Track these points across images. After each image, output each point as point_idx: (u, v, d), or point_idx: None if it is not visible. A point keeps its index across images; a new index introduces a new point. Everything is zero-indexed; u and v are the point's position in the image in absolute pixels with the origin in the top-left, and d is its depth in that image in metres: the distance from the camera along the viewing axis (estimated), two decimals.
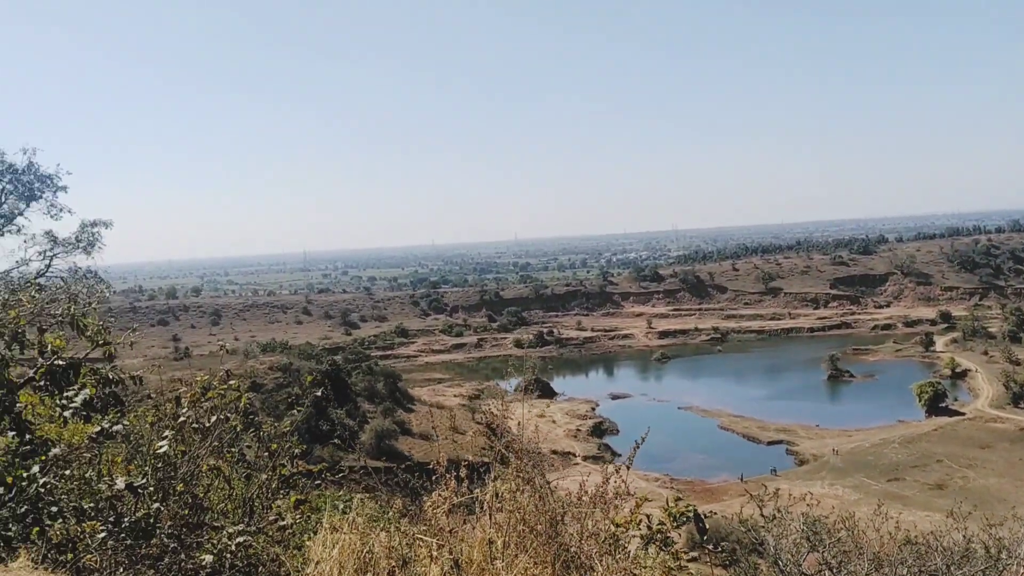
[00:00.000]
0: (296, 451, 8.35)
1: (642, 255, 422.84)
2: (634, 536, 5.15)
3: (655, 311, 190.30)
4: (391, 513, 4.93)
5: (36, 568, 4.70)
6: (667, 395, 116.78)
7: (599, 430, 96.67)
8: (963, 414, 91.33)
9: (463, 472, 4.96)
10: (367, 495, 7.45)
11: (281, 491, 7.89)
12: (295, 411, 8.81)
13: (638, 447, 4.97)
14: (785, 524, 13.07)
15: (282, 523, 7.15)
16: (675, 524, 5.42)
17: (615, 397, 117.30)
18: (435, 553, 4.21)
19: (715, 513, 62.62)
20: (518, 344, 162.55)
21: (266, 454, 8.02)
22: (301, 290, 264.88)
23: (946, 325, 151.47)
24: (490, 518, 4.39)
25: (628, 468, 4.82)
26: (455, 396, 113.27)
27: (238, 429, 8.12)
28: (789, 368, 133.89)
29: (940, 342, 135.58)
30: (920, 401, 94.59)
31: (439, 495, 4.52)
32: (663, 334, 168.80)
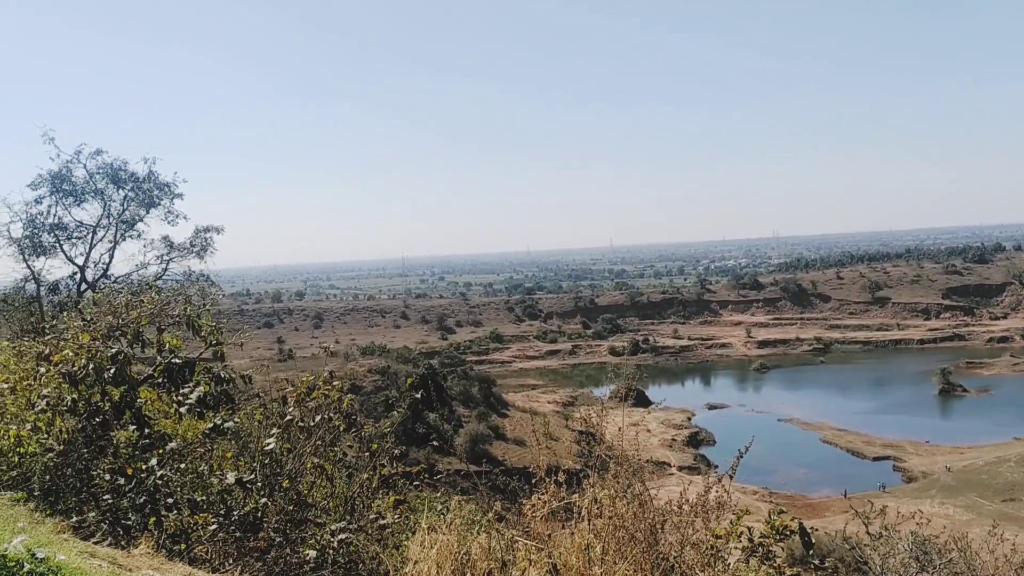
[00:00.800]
0: (396, 452, 8.55)
1: (741, 262, 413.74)
2: (734, 548, 5.05)
3: (754, 320, 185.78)
4: (489, 516, 4.97)
5: (155, 556, 4.95)
6: (766, 406, 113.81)
7: (695, 440, 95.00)
8: None
9: (561, 477, 4.98)
10: (464, 498, 7.54)
11: (380, 491, 8.08)
12: (395, 413, 9.01)
13: (741, 456, 4.88)
14: (892, 543, 12.54)
15: (382, 522, 7.32)
16: (777, 538, 5.29)
17: (712, 407, 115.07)
18: (533, 557, 4.23)
19: (816, 529, 60.65)
20: (612, 351, 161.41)
21: (367, 454, 8.24)
22: (399, 295, 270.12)
23: None
24: (588, 523, 4.39)
25: (732, 478, 4.73)
26: (549, 402, 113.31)
27: (340, 429, 8.37)
28: (897, 381, 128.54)
29: None
30: None
31: (538, 499, 4.53)
32: (762, 344, 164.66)
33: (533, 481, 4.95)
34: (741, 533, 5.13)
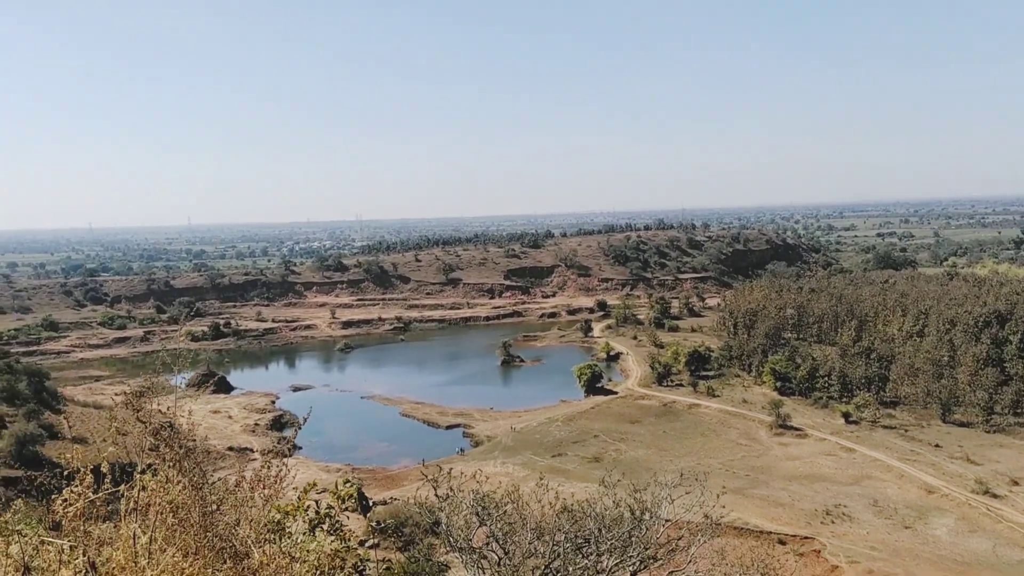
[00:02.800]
0: None
1: (326, 244, 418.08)
2: (303, 522, 5.00)
3: (339, 301, 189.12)
4: (11, 517, 4.27)
5: None
6: (350, 385, 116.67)
7: (279, 424, 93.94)
8: (616, 393, 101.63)
9: (104, 468, 4.46)
10: None
11: None
12: None
13: (299, 428, 4.81)
14: (457, 502, 13.65)
15: None
16: (344, 507, 5.35)
17: (296, 389, 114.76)
18: (66, 556, 3.70)
19: (395, 499, 63.81)
20: (192, 336, 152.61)
21: None
22: None
23: (602, 313, 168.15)
24: (135, 514, 3.98)
25: (290, 451, 4.65)
26: (116, 395, 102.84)
27: None
28: (467, 355, 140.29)
29: (597, 328, 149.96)
30: (580, 382, 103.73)
31: (71, 492, 3.99)
32: (347, 324, 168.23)
33: (67, 475, 4.35)
34: (308, 507, 5.09)
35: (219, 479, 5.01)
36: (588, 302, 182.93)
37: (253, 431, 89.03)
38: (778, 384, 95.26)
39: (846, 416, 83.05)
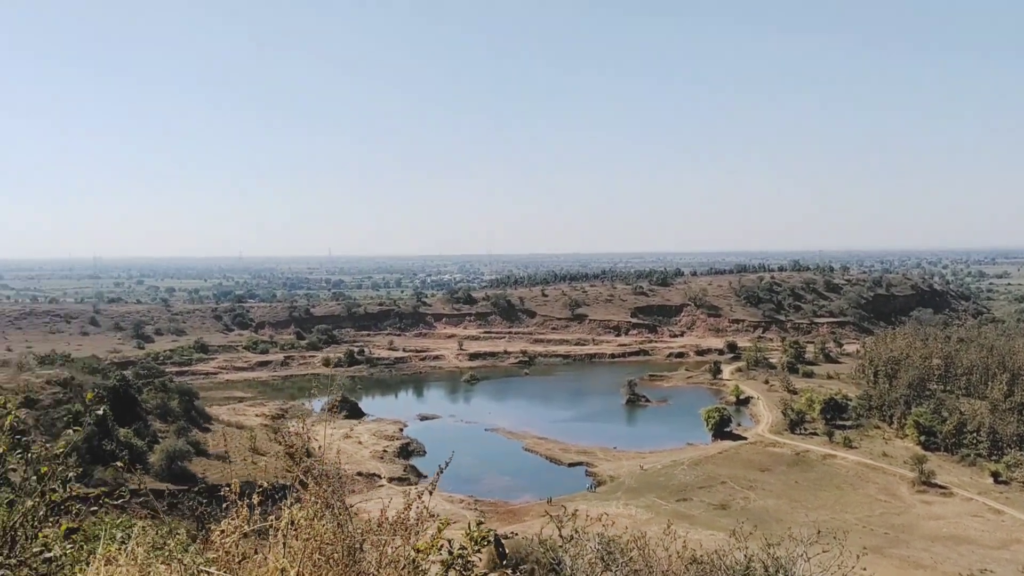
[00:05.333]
0: (71, 474, 7.63)
1: (456, 277, 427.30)
2: (435, 562, 5.07)
3: (466, 333, 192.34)
4: (173, 543, 4.55)
5: None
6: (475, 417, 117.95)
7: (406, 451, 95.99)
8: (745, 438, 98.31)
9: (256, 499, 4.68)
10: (150, 523, 6.89)
11: (50, 518, 7.16)
12: (72, 430, 8.03)
13: (442, 471, 4.91)
14: (582, 544, 13.47)
15: (48, 555, 6.47)
16: (476, 548, 5.39)
17: (423, 418, 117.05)
18: None
19: (516, 534, 63.73)
20: (327, 363, 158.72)
21: (34, 477, 7.26)
22: (89, 299, 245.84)
23: (732, 355, 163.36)
24: (284, 546, 4.16)
25: (431, 493, 4.74)
26: (257, 416, 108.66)
27: (1, 450, 7.32)
28: (591, 392, 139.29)
29: (727, 370, 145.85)
30: (708, 425, 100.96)
31: (228, 524, 4.21)
32: (473, 356, 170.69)
33: (224, 505, 4.61)
34: (442, 546, 5.16)
35: (352, 507, 5.17)
36: (718, 343, 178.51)
37: (381, 457, 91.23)
38: (922, 438, 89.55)
39: (995, 475, 77.31)
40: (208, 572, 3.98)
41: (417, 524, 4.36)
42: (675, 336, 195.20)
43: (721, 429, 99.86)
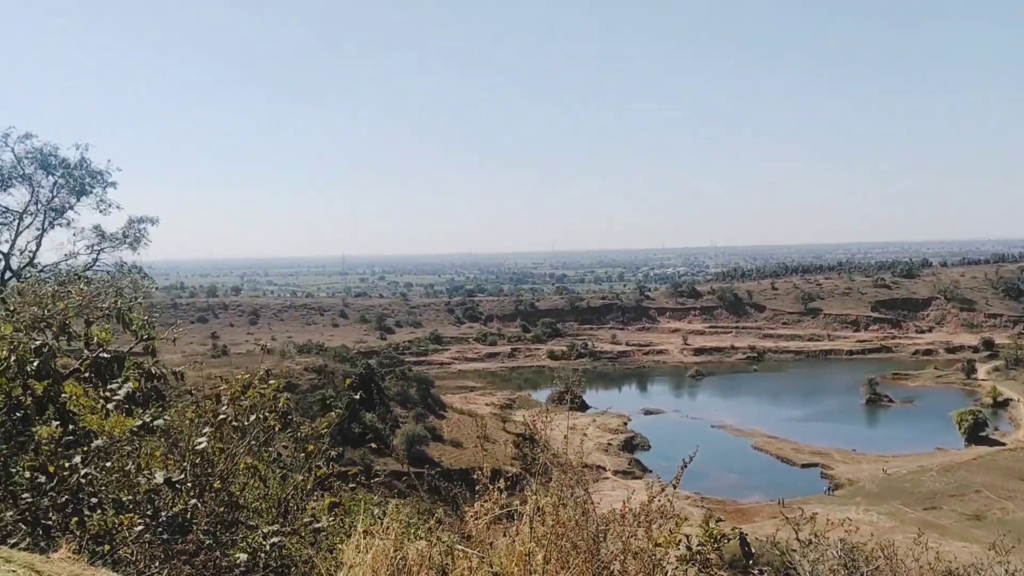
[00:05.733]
0: (332, 452, 8.37)
1: (680, 270, 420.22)
2: (671, 557, 5.05)
3: (691, 327, 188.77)
4: (432, 522, 4.87)
5: (76, 560, 4.72)
6: (700, 413, 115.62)
7: (630, 445, 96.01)
8: (1004, 444, 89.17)
9: (502, 483, 4.90)
10: (401, 501, 7.41)
11: (315, 493, 7.90)
12: (334, 412, 8.81)
13: (685, 466, 4.88)
14: (821, 549, 12.80)
15: (317, 525, 7.15)
16: (715, 546, 5.31)
17: (647, 412, 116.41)
18: (474, 564, 4.14)
19: (746, 534, 61.82)
20: (552, 355, 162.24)
21: (302, 455, 8.04)
22: (338, 293, 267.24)
23: (989, 353, 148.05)
24: (531, 531, 4.33)
25: (675, 487, 4.72)
26: (487, 404, 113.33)
27: (276, 429, 8.15)
28: (826, 390, 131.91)
29: (982, 370, 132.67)
30: (960, 429, 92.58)
31: (481, 506, 4.46)
32: (698, 351, 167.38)
33: (477, 488, 4.88)
34: (680, 541, 5.13)
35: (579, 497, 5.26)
36: (971, 340, 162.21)
37: (606, 450, 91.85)
38: None
39: None
40: (464, 550, 4.24)
41: (661, 518, 4.37)
42: (921, 332, 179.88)
43: (975, 433, 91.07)
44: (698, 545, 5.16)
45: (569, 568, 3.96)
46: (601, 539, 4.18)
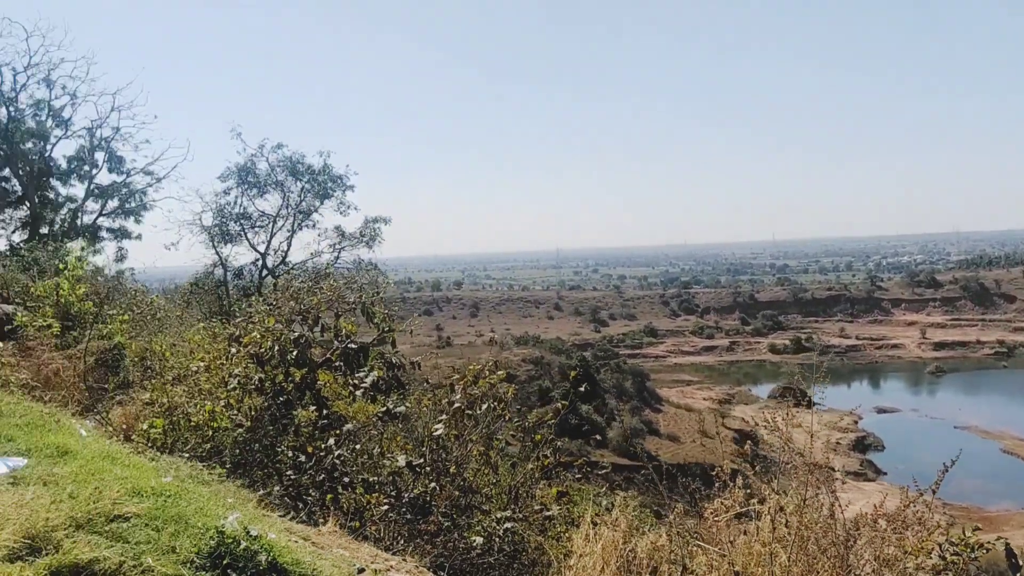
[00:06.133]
0: (558, 443, 8.57)
1: (916, 259, 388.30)
2: (921, 566, 4.71)
3: (930, 320, 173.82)
4: (671, 516, 4.86)
5: (340, 535, 5.17)
6: (941, 412, 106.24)
7: (861, 445, 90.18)
8: None
9: (740, 481, 4.79)
10: (626, 494, 7.42)
11: (541, 481, 8.13)
12: (557, 404, 9.00)
13: (947, 469, 4.52)
14: None
15: (547, 513, 7.36)
16: (972, 556, 4.90)
17: (881, 411, 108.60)
18: (715, 562, 4.08)
19: (992, 543, 56.20)
20: (773, 349, 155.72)
21: (530, 444, 8.29)
22: (553, 286, 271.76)
23: None
24: (772, 532, 4.19)
25: (934, 493, 4.40)
26: (704, 399, 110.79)
27: (505, 418, 8.46)
28: None
29: None
30: None
31: (721, 504, 4.38)
32: (938, 345, 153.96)
33: (716, 485, 4.80)
34: (932, 550, 4.78)
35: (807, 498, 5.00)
36: None
37: (834, 449, 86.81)
38: None
39: None
40: (703, 546, 4.19)
41: (918, 524, 4.07)
42: None
43: None
44: (952, 555, 4.78)
45: (815, 573, 3.78)
46: (851, 544, 3.96)
